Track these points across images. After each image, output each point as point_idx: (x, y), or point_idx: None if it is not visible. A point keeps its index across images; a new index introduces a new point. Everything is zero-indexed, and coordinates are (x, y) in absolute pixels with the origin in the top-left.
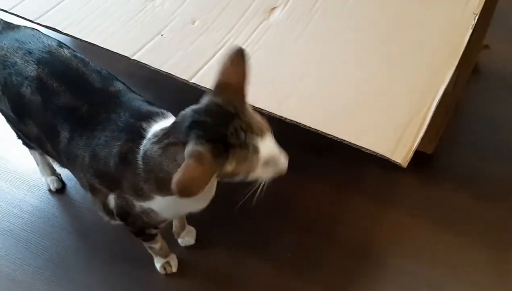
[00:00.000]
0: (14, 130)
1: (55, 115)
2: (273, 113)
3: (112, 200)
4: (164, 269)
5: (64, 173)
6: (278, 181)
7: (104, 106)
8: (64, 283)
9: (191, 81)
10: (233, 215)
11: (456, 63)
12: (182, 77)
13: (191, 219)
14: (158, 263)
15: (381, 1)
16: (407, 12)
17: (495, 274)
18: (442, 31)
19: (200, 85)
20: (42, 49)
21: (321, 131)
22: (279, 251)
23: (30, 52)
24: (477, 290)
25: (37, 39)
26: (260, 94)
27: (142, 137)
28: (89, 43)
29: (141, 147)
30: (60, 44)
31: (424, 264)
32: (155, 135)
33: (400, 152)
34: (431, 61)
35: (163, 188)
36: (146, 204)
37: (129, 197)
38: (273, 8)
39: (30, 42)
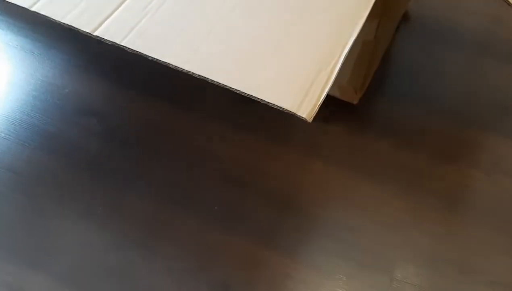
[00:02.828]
0: None
1: None
2: (180, 68)
3: None
4: None
5: None
6: (201, 133)
7: None
8: None
9: (95, 34)
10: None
11: (365, 14)
12: (84, 30)
13: None
14: None
15: None
16: None
17: (411, 219)
18: None
19: (104, 38)
20: None
21: (229, 86)
22: (205, 205)
23: None
24: (392, 232)
25: None
26: (167, 47)
27: None
28: None
29: None
30: None
31: (348, 211)
32: None
33: (306, 106)
34: (342, 11)
35: None
36: None
37: None
38: None
39: None
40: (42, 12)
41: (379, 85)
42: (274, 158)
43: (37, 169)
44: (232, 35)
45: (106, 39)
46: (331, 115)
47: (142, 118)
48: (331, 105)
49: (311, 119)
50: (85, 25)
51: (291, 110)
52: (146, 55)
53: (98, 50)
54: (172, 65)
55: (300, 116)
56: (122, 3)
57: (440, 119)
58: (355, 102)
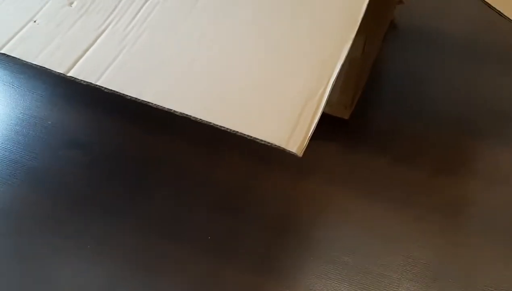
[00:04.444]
0: None
1: None
2: (160, 106)
3: None
4: None
5: None
6: (189, 159)
7: None
8: None
9: (68, 74)
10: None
11: (352, 36)
12: (57, 71)
13: None
14: None
15: None
16: None
17: (411, 236)
18: (340, 2)
19: (78, 79)
20: None
21: (213, 124)
22: (197, 234)
23: None
24: (393, 250)
25: None
26: (146, 82)
27: None
28: None
29: None
30: None
31: (346, 231)
32: None
33: (295, 140)
34: (328, 37)
35: None
36: None
37: None
38: None
39: None
40: (13, 54)
41: (370, 97)
42: (265, 179)
43: (22, 208)
44: (214, 67)
45: (81, 80)
46: (323, 132)
47: (128, 147)
48: (324, 123)
49: (302, 153)
50: (58, 66)
51: (280, 146)
52: (123, 94)
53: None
54: (152, 104)
55: (290, 151)
56: (98, 37)
57: (435, 129)
58: (346, 117)
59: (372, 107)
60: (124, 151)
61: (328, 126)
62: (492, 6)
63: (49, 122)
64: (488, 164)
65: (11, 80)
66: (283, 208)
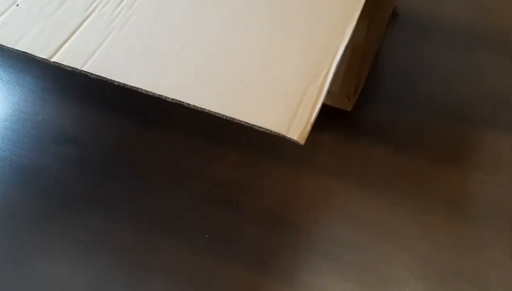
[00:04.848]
0: None
1: None
2: (151, 92)
3: None
4: None
5: None
6: (183, 152)
7: None
8: None
9: (52, 60)
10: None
11: (356, 16)
12: (40, 56)
13: None
14: None
15: None
16: None
17: (415, 230)
18: None
19: (63, 64)
20: None
21: (207, 110)
22: (193, 231)
23: None
24: (399, 247)
25: None
26: (134, 68)
27: None
28: None
29: None
30: None
31: (347, 226)
32: None
33: (296, 126)
34: (330, 15)
35: None
36: None
37: None
38: None
39: None
40: None
41: (371, 88)
42: (262, 173)
43: (12, 207)
44: (208, 51)
45: (66, 65)
46: (322, 124)
47: (123, 142)
48: (322, 114)
49: (304, 141)
50: (41, 51)
51: (280, 133)
52: (111, 80)
53: (71, 71)
54: (141, 90)
55: (290, 138)
56: (83, 21)
57: (437, 119)
58: (348, 109)
59: (372, 98)
60: (119, 146)
61: (325, 118)
62: None
63: (39, 118)
64: (493, 153)
65: (0, 74)
66: (282, 203)
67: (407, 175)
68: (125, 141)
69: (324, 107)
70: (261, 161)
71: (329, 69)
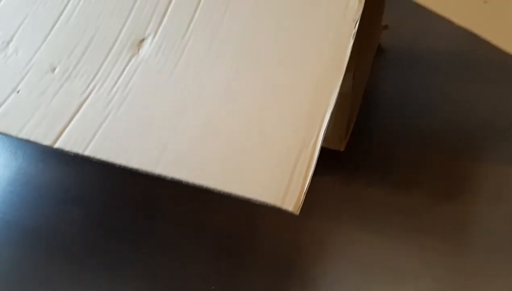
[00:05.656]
0: None
1: None
2: (150, 172)
3: None
4: None
5: None
6: (185, 203)
7: None
8: None
9: (55, 146)
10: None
11: (339, 80)
12: (44, 143)
13: None
14: None
15: (255, 21)
16: (285, 32)
17: (418, 267)
18: (323, 47)
19: (66, 150)
20: None
21: (204, 186)
22: (200, 285)
23: None
24: (401, 285)
25: None
26: (134, 149)
27: None
28: None
29: None
30: None
31: (351, 269)
32: None
33: (291, 196)
34: (315, 85)
35: None
36: None
37: None
38: (142, 40)
39: None
40: None
41: (363, 125)
42: (263, 219)
43: (17, 270)
44: (202, 121)
45: (68, 151)
46: (316, 165)
47: (124, 197)
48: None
49: (298, 211)
50: (43, 138)
51: (276, 205)
52: (112, 163)
53: None
54: (141, 170)
55: (286, 209)
56: (82, 104)
57: (433, 153)
58: (341, 149)
59: (365, 134)
60: (120, 202)
61: (319, 160)
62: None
63: (42, 180)
64: (491, 184)
65: (1, 139)
66: (285, 250)
67: (407, 212)
68: (127, 197)
69: None
70: (262, 210)
71: (317, 136)
